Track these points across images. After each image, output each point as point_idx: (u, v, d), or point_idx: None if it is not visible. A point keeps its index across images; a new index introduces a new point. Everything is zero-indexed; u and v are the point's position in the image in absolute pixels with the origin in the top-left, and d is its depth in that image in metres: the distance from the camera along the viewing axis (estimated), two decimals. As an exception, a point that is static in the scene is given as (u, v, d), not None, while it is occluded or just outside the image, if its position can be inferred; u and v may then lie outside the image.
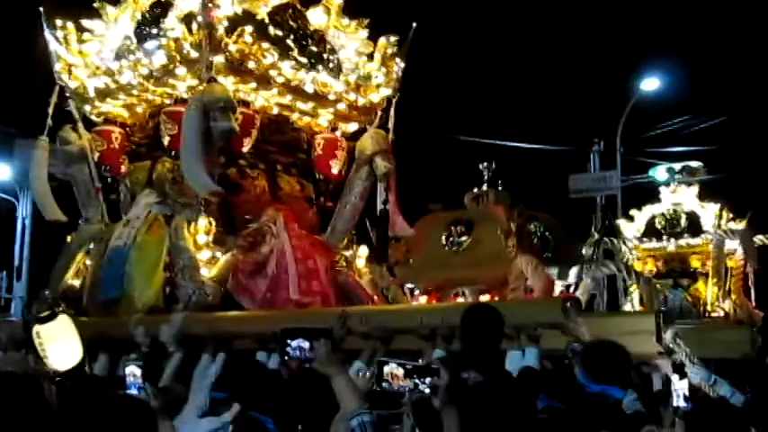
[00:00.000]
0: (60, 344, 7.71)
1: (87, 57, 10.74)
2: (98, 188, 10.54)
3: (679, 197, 12.92)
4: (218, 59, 9.48)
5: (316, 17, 10.81)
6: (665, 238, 12.68)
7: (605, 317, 8.73)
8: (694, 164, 13.91)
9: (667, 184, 12.49)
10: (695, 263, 12.64)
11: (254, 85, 9.97)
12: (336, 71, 10.75)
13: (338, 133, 10.88)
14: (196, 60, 9.55)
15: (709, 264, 12.34)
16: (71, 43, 10.74)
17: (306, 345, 4.23)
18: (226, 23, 9.65)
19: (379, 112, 11.00)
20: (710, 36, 20.69)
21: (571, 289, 11.39)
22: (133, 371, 5.70)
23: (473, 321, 5.60)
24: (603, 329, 6.35)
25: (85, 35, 10.82)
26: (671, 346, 6.38)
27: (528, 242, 10.98)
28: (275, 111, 10.48)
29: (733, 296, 11.77)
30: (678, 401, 5.91)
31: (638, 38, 20.95)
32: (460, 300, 10.94)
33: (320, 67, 10.56)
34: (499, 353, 5.57)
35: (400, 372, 3.83)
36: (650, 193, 12.96)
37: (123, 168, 10.68)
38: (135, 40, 10.35)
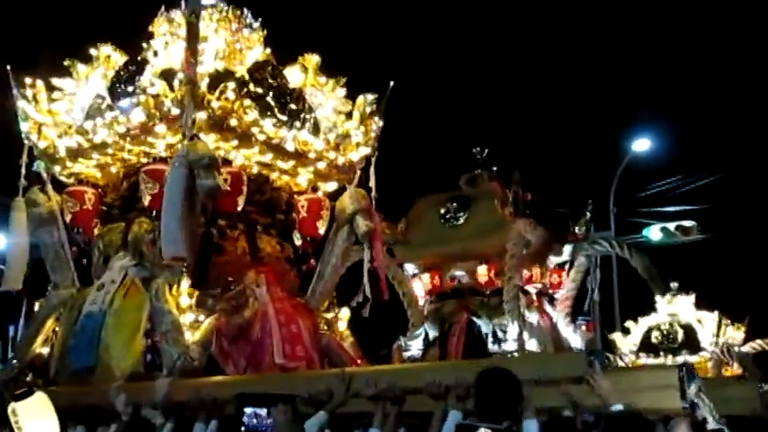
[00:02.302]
0: (37, 422, 7.31)
1: (57, 116, 10.40)
2: (75, 251, 10.12)
3: (674, 308, 12.80)
4: (201, 116, 9.22)
5: (293, 75, 10.64)
6: (662, 353, 12.56)
7: (628, 371, 8.53)
8: (687, 223, 13.93)
9: (661, 243, 12.47)
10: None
11: (235, 142, 9.72)
12: (315, 130, 10.55)
13: (320, 193, 10.65)
14: (176, 117, 9.28)
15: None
16: (41, 102, 10.40)
17: (263, 412, 3.86)
18: (207, 80, 9.43)
19: (358, 171, 10.80)
20: (700, 96, 21.04)
21: (566, 266, 11.20)
22: None
23: (488, 385, 5.36)
24: (627, 384, 6.14)
25: (55, 94, 10.50)
26: (695, 400, 6.19)
27: (524, 209, 10.77)
28: (255, 170, 10.24)
29: None
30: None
31: (628, 99, 21.22)
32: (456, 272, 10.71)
33: (299, 125, 10.35)
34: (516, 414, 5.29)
35: None
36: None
37: (95, 230, 10.29)
38: (109, 98, 10.05)
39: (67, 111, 10.44)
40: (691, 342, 12.55)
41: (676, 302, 12.85)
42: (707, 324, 12.64)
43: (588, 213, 11.70)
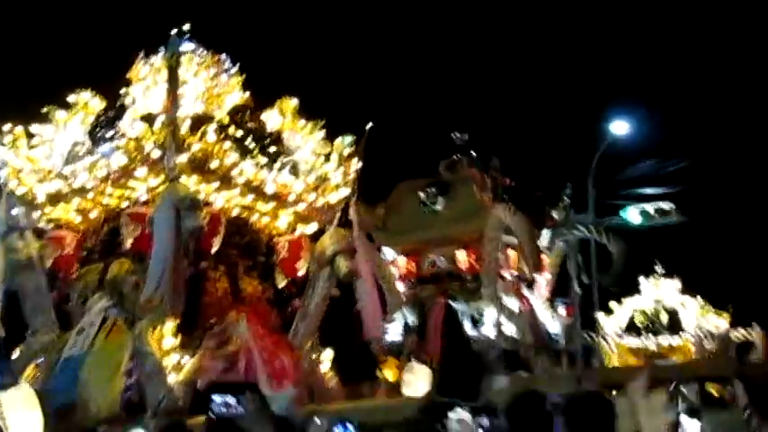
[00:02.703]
0: (22, 414, 7.28)
1: (36, 162, 10.40)
2: (54, 296, 10.03)
3: (660, 292, 12.97)
4: (182, 159, 9.27)
5: (272, 119, 10.73)
6: (644, 335, 12.72)
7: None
8: (666, 205, 13.92)
9: (640, 226, 12.42)
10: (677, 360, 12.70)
11: (216, 184, 9.77)
12: (295, 172, 10.61)
13: (298, 233, 10.69)
14: (158, 160, 9.32)
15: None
16: (20, 148, 10.41)
17: (233, 401, 4.05)
18: (188, 123, 9.49)
19: (338, 213, 10.85)
20: (679, 77, 21.32)
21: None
22: None
23: (455, 364, 5.41)
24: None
25: (34, 140, 10.51)
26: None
27: (502, 194, 10.84)
28: (235, 212, 10.26)
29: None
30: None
31: (606, 83, 21.36)
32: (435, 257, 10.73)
33: (279, 167, 10.42)
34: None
35: (468, 416, 3.64)
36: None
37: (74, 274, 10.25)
38: (89, 143, 10.09)
39: (47, 156, 10.46)
40: (674, 325, 12.77)
41: (661, 286, 13.03)
42: (690, 308, 12.82)
43: (567, 198, 11.76)
